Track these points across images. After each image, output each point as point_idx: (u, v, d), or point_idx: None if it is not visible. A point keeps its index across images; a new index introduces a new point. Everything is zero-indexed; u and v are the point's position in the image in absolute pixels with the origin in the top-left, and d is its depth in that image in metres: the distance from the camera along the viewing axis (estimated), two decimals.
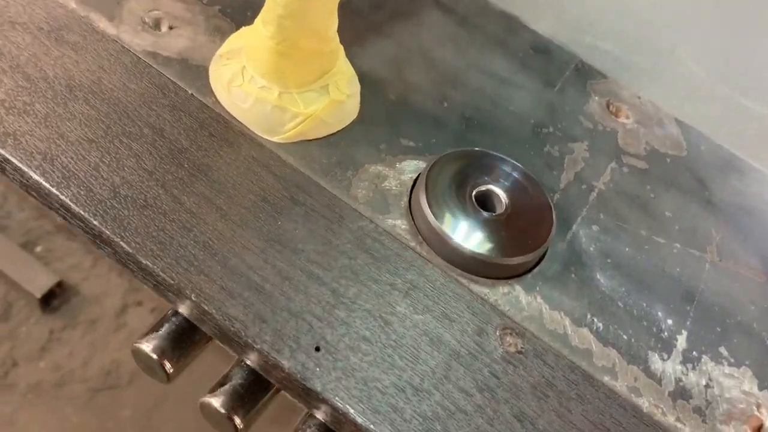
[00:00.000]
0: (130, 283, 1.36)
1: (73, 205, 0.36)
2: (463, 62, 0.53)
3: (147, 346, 0.37)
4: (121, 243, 0.35)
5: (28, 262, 1.28)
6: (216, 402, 0.36)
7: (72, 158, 0.38)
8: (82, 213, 0.36)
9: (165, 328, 0.38)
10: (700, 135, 0.57)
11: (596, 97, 0.56)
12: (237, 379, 0.37)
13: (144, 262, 0.35)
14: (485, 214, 0.42)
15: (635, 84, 0.58)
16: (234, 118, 0.43)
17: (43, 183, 0.36)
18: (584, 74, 0.57)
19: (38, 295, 1.23)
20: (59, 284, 1.27)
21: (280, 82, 0.42)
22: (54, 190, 0.36)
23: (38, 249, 1.35)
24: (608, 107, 0.55)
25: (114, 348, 1.27)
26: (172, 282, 0.35)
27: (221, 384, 0.37)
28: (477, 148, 0.46)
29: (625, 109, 0.55)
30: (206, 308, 0.34)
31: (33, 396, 1.19)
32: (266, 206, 0.39)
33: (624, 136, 0.53)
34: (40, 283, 1.24)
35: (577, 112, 0.54)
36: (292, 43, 0.41)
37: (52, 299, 1.25)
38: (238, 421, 0.36)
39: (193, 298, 0.34)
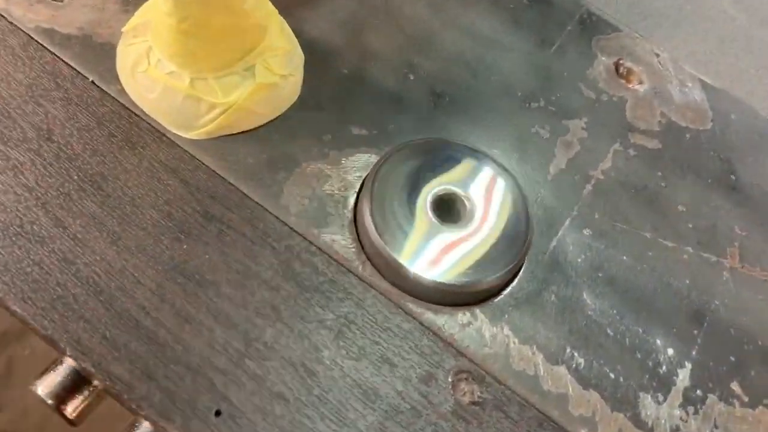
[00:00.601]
0: None
1: None
2: (438, 21, 0.44)
3: (42, 390, 0.32)
4: None
5: None
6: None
7: None
8: None
9: (62, 368, 0.32)
10: (732, 100, 0.47)
11: (603, 58, 0.46)
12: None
13: (12, 307, 0.29)
14: (443, 225, 0.34)
15: (655, 37, 0.48)
16: (142, 111, 0.36)
17: None
18: (590, 28, 0.47)
19: None
20: None
21: (192, 66, 0.34)
22: None
23: None
24: (617, 70, 0.45)
25: None
26: (45, 332, 0.29)
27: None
28: (439, 138, 0.38)
29: (639, 72, 0.46)
30: (83, 365, 0.29)
31: None
32: (171, 225, 0.32)
33: (634, 107, 0.44)
34: None
35: (577, 79, 0.44)
36: (198, 20, 0.32)
37: None
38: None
39: (68, 353, 0.29)
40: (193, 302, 0.31)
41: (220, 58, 0.35)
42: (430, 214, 0.34)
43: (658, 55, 0.47)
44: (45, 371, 0.32)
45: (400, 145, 0.37)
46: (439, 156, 0.36)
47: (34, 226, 0.31)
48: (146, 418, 0.28)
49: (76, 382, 0.31)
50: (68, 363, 0.31)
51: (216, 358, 0.30)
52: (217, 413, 0.28)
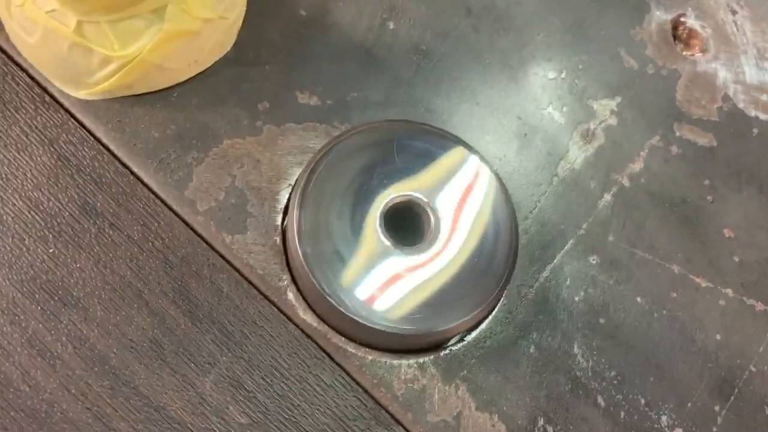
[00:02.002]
0: None
1: None
2: None
3: None
4: None
5: None
6: None
7: None
8: None
9: None
10: None
11: (657, 12, 0.34)
12: None
13: None
14: (397, 247, 0.26)
15: None
16: (23, 58, 0.28)
17: None
18: None
19: None
20: None
21: (79, 3, 0.25)
22: None
23: None
24: (675, 31, 0.34)
25: None
26: None
27: None
28: (409, 120, 0.28)
29: (704, 35, 0.34)
30: None
31: None
32: (37, 219, 0.25)
33: (689, 85, 0.33)
34: None
35: (617, 41, 0.33)
36: None
37: None
38: None
39: None
40: (51, 327, 0.24)
41: None
42: (380, 230, 0.26)
43: (734, 12, 0.35)
44: None
45: (353, 128, 0.27)
46: (403, 146, 0.27)
47: None
48: None
49: None
50: None
51: (71, 404, 0.23)
52: None
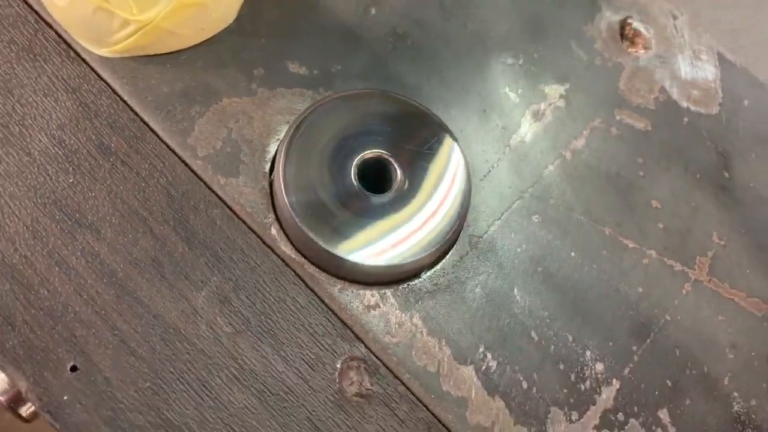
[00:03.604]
0: None
1: None
2: None
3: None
4: None
5: None
6: None
7: None
8: None
9: None
10: (751, 82, 0.40)
11: (608, 13, 0.39)
12: None
13: None
14: (368, 192, 0.30)
15: None
16: (52, 18, 0.32)
17: None
18: None
19: None
20: None
21: None
22: None
23: None
24: (622, 30, 0.39)
25: None
26: None
27: None
28: (386, 90, 0.33)
29: (647, 35, 0.39)
30: None
31: None
32: (60, 153, 0.29)
33: (631, 77, 0.38)
34: None
35: (569, 36, 0.38)
36: None
37: None
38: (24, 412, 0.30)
39: None
40: (68, 243, 0.28)
41: None
42: (354, 178, 0.30)
43: (675, 18, 0.40)
44: None
45: (335, 94, 0.32)
46: (376, 111, 0.32)
47: None
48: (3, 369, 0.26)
49: None
50: None
51: (82, 307, 0.27)
52: (73, 368, 0.26)
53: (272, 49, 0.34)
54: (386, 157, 0.31)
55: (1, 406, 0.28)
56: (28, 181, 0.29)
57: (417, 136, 0.32)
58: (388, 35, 0.35)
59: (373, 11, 0.36)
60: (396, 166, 0.31)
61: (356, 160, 0.31)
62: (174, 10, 0.31)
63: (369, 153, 0.31)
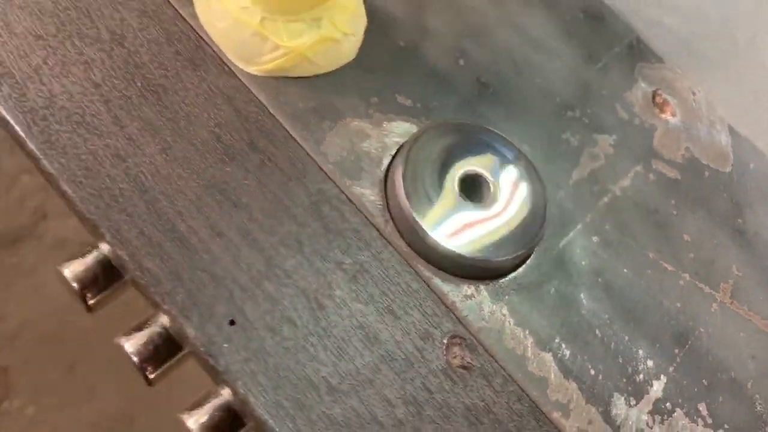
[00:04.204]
0: None
1: (0, 107, 0.32)
2: (496, 14, 0.46)
3: (69, 273, 0.34)
4: (44, 161, 0.32)
5: None
6: (129, 348, 0.33)
7: (12, 53, 0.33)
8: (8, 117, 0.32)
9: (91, 257, 0.34)
10: (754, 150, 0.49)
11: (643, 84, 0.48)
12: (156, 326, 0.34)
13: (63, 187, 0.31)
14: (468, 202, 0.36)
15: (695, 75, 0.50)
16: (210, 37, 0.38)
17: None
18: (636, 54, 0.49)
19: None
20: None
21: (266, 4, 0.36)
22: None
23: None
24: (654, 99, 0.48)
25: None
26: (89, 216, 0.31)
27: (138, 329, 0.34)
28: (479, 125, 0.40)
29: (674, 105, 0.48)
30: (119, 253, 0.31)
31: (58, 251, 1.21)
32: (218, 147, 0.35)
33: (662, 136, 0.46)
34: None
35: (614, 99, 0.46)
36: None
37: None
38: (150, 374, 0.34)
39: (107, 239, 0.31)
40: (226, 220, 0.33)
41: (294, 3, 0.36)
42: (457, 189, 0.36)
43: (694, 93, 0.49)
44: (73, 257, 0.34)
45: (441, 121, 0.39)
46: (474, 138, 0.39)
47: (95, 119, 0.33)
48: (167, 313, 0.30)
49: (104, 270, 0.33)
50: (99, 252, 0.33)
51: (238, 273, 0.32)
52: (232, 322, 0.31)
53: (384, 83, 0.40)
54: (482, 173, 0.37)
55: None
56: (193, 166, 0.34)
57: (505, 162, 0.38)
58: (473, 82, 0.43)
59: (462, 62, 0.43)
60: (490, 183, 0.37)
61: (457, 175, 0.37)
62: (315, 42, 0.37)
63: (469, 170, 0.37)
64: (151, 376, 0.34)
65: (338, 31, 0.38)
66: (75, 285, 0.34)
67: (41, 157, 0.32)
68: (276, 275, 0.32)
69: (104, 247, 0.32)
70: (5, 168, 1.24)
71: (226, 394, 0.31)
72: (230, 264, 0.32)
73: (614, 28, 0.50)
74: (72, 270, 0.34)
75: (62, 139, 0.32)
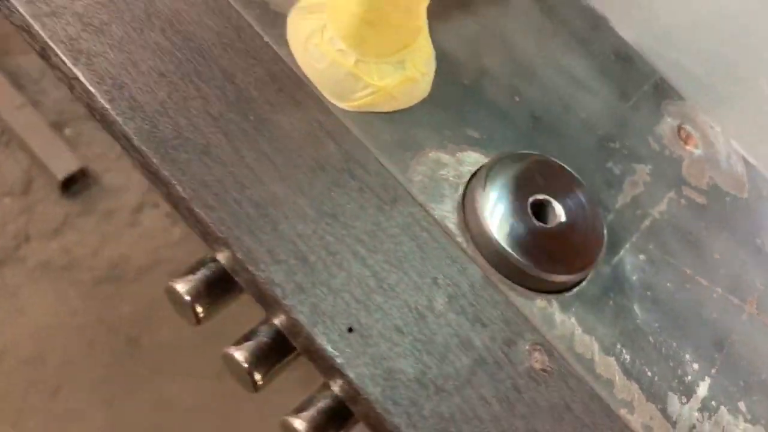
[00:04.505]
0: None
1: (135, 139, 0.36)
2: (542, 56, 0.52)
3: (182, 288, 0.38)
4: (178, 187, 0.35)
5: (55, 143, 1.25)
6: (239, 356, 0.37)
7: (141, 89, 0.37)
8: (144, 149, 0.36)
9: (201, 272, 0.38)
10: (766, 180, 0.55)
11: (669, 119, 0.54)
12: (263, 336, 0.38)
13: (197, 211, 0.35)
14: (539, 224, 0.41)
15: (711, 112, 0.56)
16: (305, 76, 0.42)
17: (110, 110, 0.36)
18: (661, 92, 0.55)
19: (60, 177, 1.21)
20: (82, 170, 1.25)
21: (359, 48, 0.41)
22: (119, 120, 0.36)
23: (67, 131, 1.35)
24: (679, 132, 0.53)
25: (124, 243, 1.28)
26: (221, 236, 0.35)
27: (246, 338, 0.38)
28: (541, 154, 0.45)
29: (696, 138, 0.54)
30: (251, 269, 0.34)
31: (40, 273, 1.21)
32: (323, 175, 0.39)
33: (689, 166, 0.52)
34: (63, 165, 1.23)
35: (646, 132, 0.52)
36: (381, 14, 0.39)
37: (72, 184, 1.24)
38: (258, 377, 0.37)
39: (239, 256, 0.34)
40: (337, 240, 0.37)
41: (384, 47, 0.41)
42: (529, 212, 0.41)
43: (713, 128, 0.55)
44: (188, 271, 0.38)
45: (511, 152, 0.44)
46: (541, 168, 0.43)
47: (218, 150, 0.37)
48: (297, 323, 0.34)
49: (221, 281, 0.37)
50: (207, 268, 0.37)
51: (353, 287, 0.36)
52: (350, 330, 0.34)
53: (453, 117, 0.45)
54: (549, 199, 0.42)
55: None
56: (305, 193, 0.38)
57: (568, 190, 0.43)
58: (528, 116, 0.48)
59: (517, 98, 0.48)
60: (555, 207, 0.42)
61: (530, 198, 0.42)
62: (400, 81, 0.42)
63: (538, 195, 0.42)
64: (260, 383, 0.37)
65: (418, 71, 0.43)
66: (187, 298, 0.38)
67: (175, 183, 0.35)
68: (383, 288, 0.36)
69: (223, 259, 0.36)
70: None
71: (335, 388, 0.35)
72: (345, 279, 0.36)
73: (641, 69, 0.56)
74: (184, 285, 0.38)
75: (191, 167, 0.36)
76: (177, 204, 0.36)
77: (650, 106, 0.54)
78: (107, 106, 0.36)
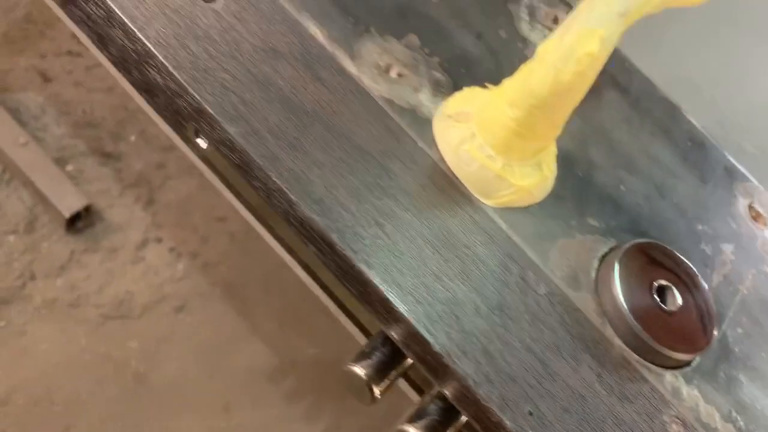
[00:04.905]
0: (153, 217, 1.36)
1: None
2: (636, 146, 0.58)
3: (361, 371, 0.42)
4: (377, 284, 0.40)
5: (60, 180, 1.25)
6: (360, 371, 0.42)
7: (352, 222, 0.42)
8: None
9: (376, 355, 0.43)
10: None
11: (741, 199, 0.61)
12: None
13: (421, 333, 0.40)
14: (666, 307, 0.47)
15: None
16: (454, 175, 0.48)
17: (320, 225, 0.41)
18: (731, 174, 0.62)
19: (66, 215, 1.22)
20: (87, 208, 1.25)
21: (506, 155, 0.46)
22: (336, 241, 0.41)
23: (69, 168, 1.36)
24: (750, 211, 0.60)
25: (130, 279, 1.30)
26: (417, 330, 0.40)
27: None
28: (658, 242, 0.51)
29: (765, 217, 0.61)
30: (447, 363, 0.39)
31: (47, 311, 1.21)
32: (483, 268, 0.44)
33: (764, 243, 0.59)
34: (69, 202, 1.23)
35: (726, 213, 0.59)
36: (532, 128, 0.45)
37: (77, 221, 1.25)
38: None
39: (436, 350, 0.40)
40: (508, 332, 0.42)
41: (527, 153, 0.47)
42: (656, 296, 0.47)
43: None
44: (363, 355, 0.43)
45: (634, 240, 0.50)
46: (661, 255, 0.50)
47: (407, 257, 0.42)
48: (487, 410, 0.39)
49: (382, 365, 0.42)
50: (381, 349, 0.42)
51: (527, 375, 0.41)
52: (530, 413, 0.40)
53: (576, 208, 0.51)
54: (670, 285, 0.48)
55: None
56: (479, 290, 0.43)
57: (682, 274, 0.50)
58: (635, 204, 0.54)
59: (622, 188, 0.55)
60: (675, 291, 0.48)
61: (655, 284, 0.48)
62: (538, 181, 0.48)
63: (662, 282, 0.48)
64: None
65: (550, 170, 0.49)
66: (365, 378, 0.42)
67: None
68: (550, 375, 0.42)
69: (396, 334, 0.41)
70: None
71: None
72: (519, 368, 0.41)
73: (712, 154, 0.63)
74: (363, 368, 0.42)
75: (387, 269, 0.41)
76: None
77: (725, 187, 0.61)
78: (317, 221, 0.41)
